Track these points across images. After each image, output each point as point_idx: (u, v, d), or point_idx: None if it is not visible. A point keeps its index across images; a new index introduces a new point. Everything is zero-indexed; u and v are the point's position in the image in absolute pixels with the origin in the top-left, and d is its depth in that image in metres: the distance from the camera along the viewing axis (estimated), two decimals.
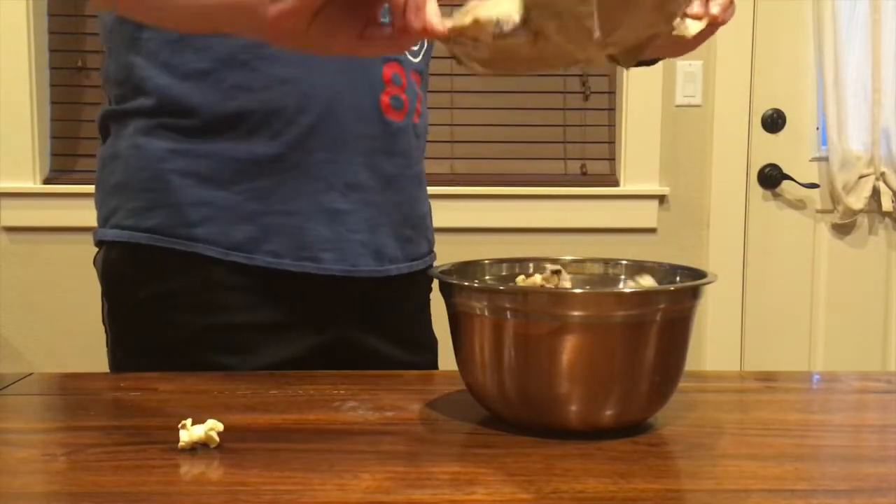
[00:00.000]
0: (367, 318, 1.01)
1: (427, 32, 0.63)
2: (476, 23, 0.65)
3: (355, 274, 0.97)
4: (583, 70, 0.76)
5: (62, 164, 2.40)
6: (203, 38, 0.92)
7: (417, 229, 1.05)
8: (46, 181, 2.36)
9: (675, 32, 0.68)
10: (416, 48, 1.01)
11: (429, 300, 1.10)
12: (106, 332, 1.00)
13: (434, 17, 0.63)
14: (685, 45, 0.82)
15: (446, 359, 1.00)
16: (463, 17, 0.66)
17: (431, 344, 1.10)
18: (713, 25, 0.76)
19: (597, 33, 0.62)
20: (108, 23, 0.98)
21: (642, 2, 0.63)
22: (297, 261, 0.95)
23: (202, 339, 0.94)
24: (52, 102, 2.40)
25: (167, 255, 0.94)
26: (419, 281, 1.06)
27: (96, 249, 1.01)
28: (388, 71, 0.97)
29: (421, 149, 1.06)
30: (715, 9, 0.74)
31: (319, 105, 0.94)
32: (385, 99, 0.97)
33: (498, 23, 0.64)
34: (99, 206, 1.00)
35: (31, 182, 2.33)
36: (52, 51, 2.39)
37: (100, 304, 1.01)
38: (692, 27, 0.69)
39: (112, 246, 0.97)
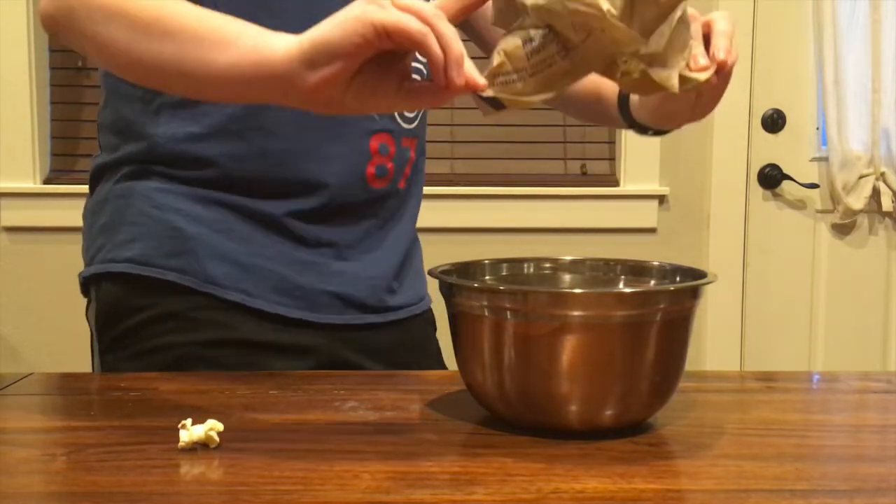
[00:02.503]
0: (359, 349, 1.01)
1: (469, 87, 0.65)
2: (507, 54, 0.67)
3: (326, 322, 0.98)
4: (621, 70, 0.75)
5: (62, 164, 2.40)
6: (197, 106, 0.93)
7: (401, 280, 1.05)
8: (46, 181, 2.36)
9: (688, 76, 0.70)
10: (410, 115, 1.02)
11: (429, 337, 1.10)
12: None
13: (473, 71, 0.65)
14: (703, 108, 0.86)
15: (446, 359, 1.00)
16: (493, 60, 0.68)
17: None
18: (724, 76, 0.77)
19: (605, 4, 0.63)
20: (103, 71, 0.99)
21: None
22: (270, 303, 0.96)
23: (196, 357, 0.94)
24: (52, 102, 2.40)
25: (146, 283, 0.94)
26: (411, 323, 1.06)
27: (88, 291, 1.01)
28: (376, 143, 0.98)
29: (409, 207, 1.07)
30: (720, 54, 0.75)
31: (306, 176, 0.95)
32: (370, 169, 0.98)
33: (525, 42, 0.66)
34: (85, 252, 1.01)
35: (31, 182, 2.33)
36: (52, 51, 2.39)
37: None
38: (702, 75, 0.71)
39: (97, 285, 0.98)
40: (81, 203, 1.06)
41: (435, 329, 1.12)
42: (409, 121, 1.02)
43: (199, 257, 0.94)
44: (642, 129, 0.97)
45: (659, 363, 0.70)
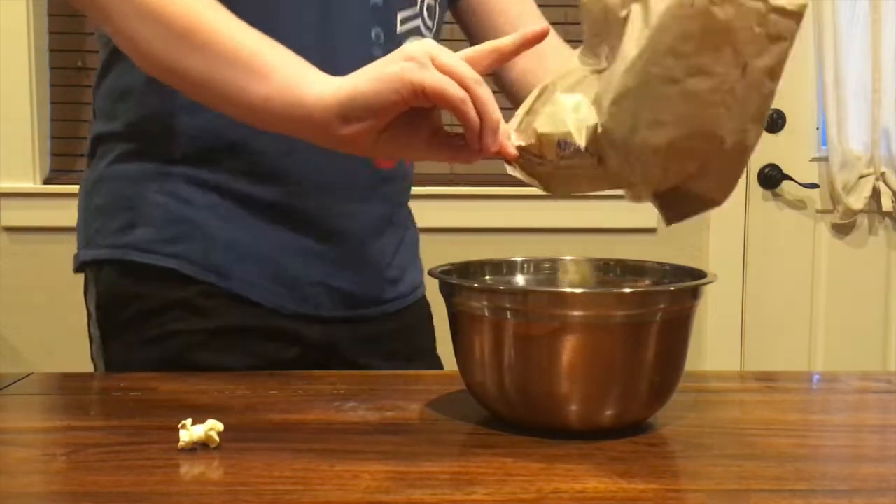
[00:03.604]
0: (353, 338, 1.00)
1: (501, 154, 0.66)
2: (541, 140, 0.68)
3: (324, 315, 0.97)
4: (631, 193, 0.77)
5: (62, 164, 2.39)
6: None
7: (401, 269, 1.05)
8: (46, 181, 2.35)
9: None
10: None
11: (423, 326, 1.10)
12: (95, 368, 0.99)
13: (507, 139, 0.66)
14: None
15: (446, 359, 1.00)
16: (527, 131, 0.68)
17: (431, 359, 1.09)
18: None
19: (657, 178, 0.65)
20: (104, 38, 0.96)
21: (730, 157, 0.64)
22: (268, 294, 0.95)
23: (202, 344, 0.93)
24: (52, 102, 2.39)
25: (146, 270, 0.93)
26: (403, 314, 1.05)
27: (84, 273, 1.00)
28: None
29: (406, 192, 1.07)
30: None
31: (313, 157, 0.91)
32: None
33: (560, 143, 0.67)
34: (81, 230, 1.00)
35: (31, 182, 2.33)
36: (52, 51, 2.38)
37: None
38: None
39: (97, 270, 0.97)
40: None
41: (430, 317, 1.11)
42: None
43: (199, 244, 0.93)
44: None
45: (659, 363, 0.70)
